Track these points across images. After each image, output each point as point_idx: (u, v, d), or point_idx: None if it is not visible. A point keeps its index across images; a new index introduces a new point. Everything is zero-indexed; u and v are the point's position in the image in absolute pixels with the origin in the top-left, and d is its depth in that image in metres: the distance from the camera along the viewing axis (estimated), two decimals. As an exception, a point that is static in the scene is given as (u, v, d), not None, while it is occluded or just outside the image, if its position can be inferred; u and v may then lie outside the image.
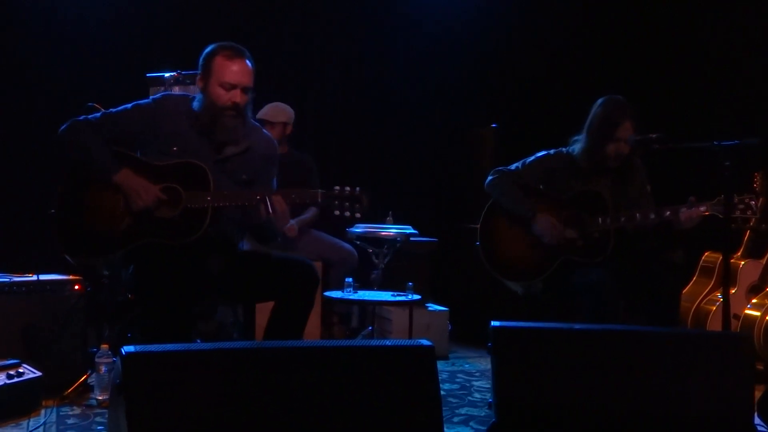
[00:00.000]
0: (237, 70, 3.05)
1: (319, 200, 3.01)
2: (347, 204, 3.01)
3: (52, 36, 5.22)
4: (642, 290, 3.58)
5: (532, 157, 3.83)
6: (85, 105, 3.73)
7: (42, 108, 5.11)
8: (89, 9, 5.29)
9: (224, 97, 3.04)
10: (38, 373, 3.29)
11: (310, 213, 4.95)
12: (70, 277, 3.70)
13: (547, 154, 3.81)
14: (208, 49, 3.12)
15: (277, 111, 4.93)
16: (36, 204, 4.23)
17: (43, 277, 3.63)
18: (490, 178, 3.83)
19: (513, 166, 3.83)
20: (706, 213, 3.49)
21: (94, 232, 3.04)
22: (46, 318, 3.55)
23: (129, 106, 3.14)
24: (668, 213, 3.52)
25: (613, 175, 3.74)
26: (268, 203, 2.96)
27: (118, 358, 2.05)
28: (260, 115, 4.79)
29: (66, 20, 5.25)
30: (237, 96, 3.05)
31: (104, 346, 3.49)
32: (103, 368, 3.41)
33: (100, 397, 3.41)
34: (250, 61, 3.10)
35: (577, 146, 3.76)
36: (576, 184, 3.72)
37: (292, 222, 4.84)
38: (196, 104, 3.13)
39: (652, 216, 3.54)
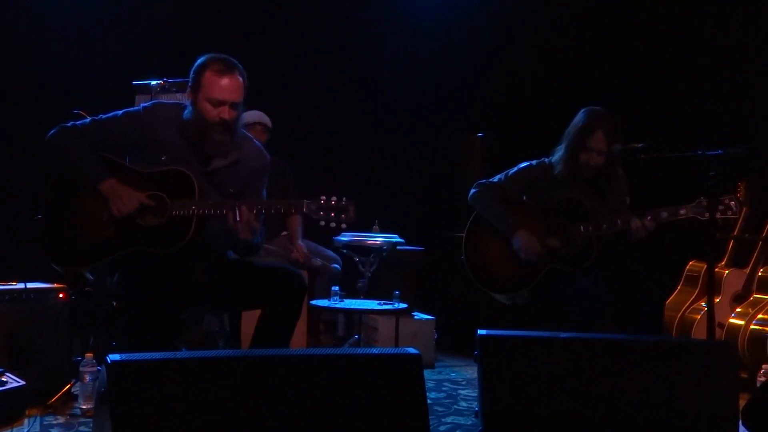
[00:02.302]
0: (225, 86, 3.00)
1: (305, 210, 2.93)
2: (333, 215, 2.93)
3: (38, 43, 5.18)
4: (627, 297, 3.60)
5: (515, 169, 3.84)
6: (71, 112, 3.70)
7: (28, 115, 5.06)
8: (75, 16, 5.26)
9: (212, 112, 3.01)
10: (22, 382, 3.26)
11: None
12: (55, 285, 3.67)
13: (530, 165, 3.83)
14: (199, 61, 3.07)
15: (256, 114, 4.83)
16: (22, 210, 4.19)
17: (28, 285, 3.59)
18: (472, 191, 3.84)
19: (496, 178, 3.84)
20: (687, 215, 3.52)
21: (80, 240, 3.02)
22: (30, 326, 3.52)
23: (119, 113, 3.12)
24: (649, 218, 3.55)
25: (595, 184, 3.76)
26: (236, 212, 2.91)
27: (104, 367, 2.03)
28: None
29: (52, 27, 5.22)
30: (225, 112, 3.01)
31: (89, 355, 3.46)
32: (87, 377, 3.39)
33: (84, 407, 3.38)
34: (241, 75, 3.05)
35: (556, 155, 3.78)
36: (558, 193, 3.74)
37: (301, 243, 4.80)
38: (186, 114, 3.09)
39: (635, 222, 3.55)
